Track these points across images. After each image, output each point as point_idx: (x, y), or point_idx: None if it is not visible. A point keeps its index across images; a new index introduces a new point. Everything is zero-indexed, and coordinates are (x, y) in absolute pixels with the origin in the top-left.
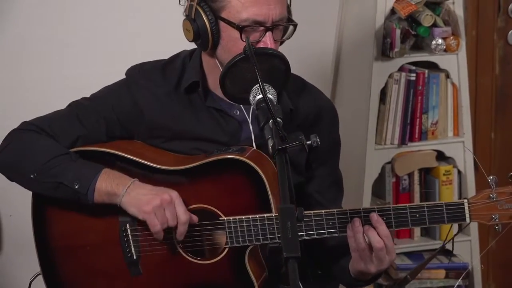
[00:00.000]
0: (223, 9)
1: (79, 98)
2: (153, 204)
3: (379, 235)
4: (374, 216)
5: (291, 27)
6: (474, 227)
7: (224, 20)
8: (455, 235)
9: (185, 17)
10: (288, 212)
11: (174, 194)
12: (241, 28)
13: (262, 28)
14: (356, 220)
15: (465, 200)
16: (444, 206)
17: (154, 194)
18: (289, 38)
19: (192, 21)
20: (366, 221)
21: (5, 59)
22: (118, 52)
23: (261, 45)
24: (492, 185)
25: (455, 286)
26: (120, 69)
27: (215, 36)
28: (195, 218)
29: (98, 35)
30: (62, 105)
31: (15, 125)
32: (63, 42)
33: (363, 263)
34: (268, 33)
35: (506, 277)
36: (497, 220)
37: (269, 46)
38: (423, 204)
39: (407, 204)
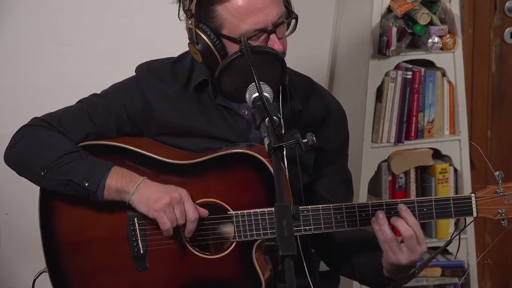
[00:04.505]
0: (221, 26)
1: (76, 95)
2: (162, 202)
3: (407, 224)
4: (403, 207)
5: (293, 20)
6: (470, 224)
7: (225, 37)
8: (463, 229)
9: (189, 41)
10: (284, 210)
11: (184, 192)
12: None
13: (265, 34)
14: (380, 212)
15: (473, 195)
16: (451, 200)
17: (164, 192)
18: (294, 30)
19: (195, 44)
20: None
21: (3, 57)
22: (116, 50)
23: None
24: (499, 180)
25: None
26: (118, 67)
27: (222, 53)
28: (205, 212)
29: (96, 34)
30: (60, 102)
31: (14, 122)
32: (61, 40)
33: (392, 254)
34: (272, 36)
35: (502, 276)
36: (503, 214)
37: (276, 48)
38: (431, 198)
39: (414, 199)
